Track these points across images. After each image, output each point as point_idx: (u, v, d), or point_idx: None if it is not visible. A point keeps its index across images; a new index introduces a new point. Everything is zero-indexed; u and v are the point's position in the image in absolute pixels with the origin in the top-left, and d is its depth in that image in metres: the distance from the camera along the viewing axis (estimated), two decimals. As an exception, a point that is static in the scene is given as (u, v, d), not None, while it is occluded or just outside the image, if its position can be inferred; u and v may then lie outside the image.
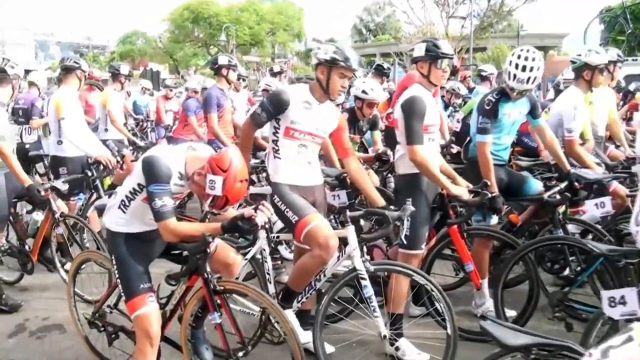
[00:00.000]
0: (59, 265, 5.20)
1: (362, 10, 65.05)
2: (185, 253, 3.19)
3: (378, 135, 6.07)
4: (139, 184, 3.07)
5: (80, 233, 5.75)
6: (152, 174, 2.93)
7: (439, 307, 4.14)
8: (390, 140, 6.50)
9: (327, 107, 3.81)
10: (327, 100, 3.78)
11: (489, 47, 40.44)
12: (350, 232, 3.49)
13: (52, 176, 6.04)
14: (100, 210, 3.65)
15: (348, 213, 3.52)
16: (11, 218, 5.07)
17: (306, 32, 49.47)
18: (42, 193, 4.68)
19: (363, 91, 5.46)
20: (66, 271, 5.11)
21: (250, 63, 51.32)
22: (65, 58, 6.02)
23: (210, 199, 2.94)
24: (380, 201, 3.76)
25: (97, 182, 5.73)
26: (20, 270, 5.35)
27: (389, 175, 6.23)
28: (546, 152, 6.06)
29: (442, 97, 8.36)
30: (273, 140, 3.76)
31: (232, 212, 3.19)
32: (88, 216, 5.80)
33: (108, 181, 6.89)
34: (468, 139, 4.74)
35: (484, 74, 9.07)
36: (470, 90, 9.59)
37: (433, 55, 3.91)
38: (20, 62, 5.31)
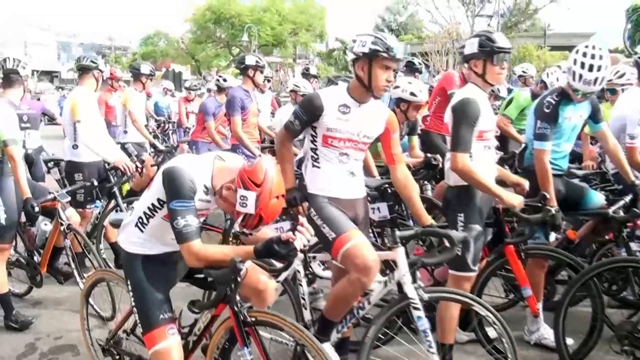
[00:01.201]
0: (78, 278, 4.83)
1: (384, 10, 64.44)
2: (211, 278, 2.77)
3: (416, 140, 5.62)
4: (158, 200, 2.68)
5: (97, 241, 5.41)
6: (174, 188, 2.53)
7: (490, 334, 3.76)
8: (426, 145, 6.07)
9: (371, 107, 3.36)
10: (370, 100, 3.34)
11: (515, 47, 39.64)
12: (399, 254, 3.02)
13: (67, 182, 5.68)
14: (115, 225, 3.23)
15: (398, 233, 3.04)
16: (19, 228, 4.72)
17: (328, 32, 49.10)
18: (37, 209, 4.30)
19: (412, 93, 4.95)
20: (82, 276, 4.79)
21: (273, 64, 51.03)
22: (81, 57, 5.65)
23: (241, 217, 2.53)
24: (428, 218, 3.32)
25: (115, 189, 5.35)
26: (29, 283, 5.01)
27: (425, 182, 5.78)
28: (590, 162, 5.65)
29: None
30: (311, 149, 3.34)
31: (265, 232, 2.77)
32: (105, 225, 5.44)
33: (127, 187, 6.54)
34: (523, 146, 4.29)
35: (524, 74, 8.50)
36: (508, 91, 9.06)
37: (488, 50, 3.45)
38: (43, 63, 4.97)
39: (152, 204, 2.71)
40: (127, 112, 7.16)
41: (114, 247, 5.70)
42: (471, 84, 3.58)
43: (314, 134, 3.31)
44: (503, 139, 6.82)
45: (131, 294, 2.83)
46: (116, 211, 5.43)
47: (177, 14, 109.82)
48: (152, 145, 6.84)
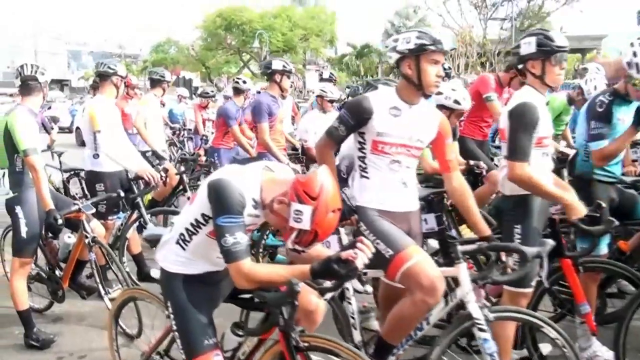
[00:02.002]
0: (102, 292, 4.60)
1: (393, 15, 64.19)
2: (256, 298, 2.54)
3: (456, 146, 5.37)
4: (203, 215, 2.45)
5: (120, 254, 5.19)
6: (222, 203, 2.31)
7: (543, 351, 3.52)
8: (460, 151, 5.82)
9: (422, 109, 3.15)
10: (420, 101, 3.12)
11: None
12: (462, 271, 2.79)
13: (88, 193, 5.48)
14: (151, 241, 3.00)
15: (461, 247, 2.80)
16: (41, 241, 4.51)
17: (338, 37, 48.88)
18: (60, 221, 4.10)
19: (456, 101, 4.71)
20: (111, 299, 4.51)
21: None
22: (99, 63, 5.42)
23: (294, 233, 2.31)
24: (487, 229, 3.09)
25: (139, 199, 5.14)
26: (50, 298, 4.80)
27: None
28: (631, 168, 5.39)
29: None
30: (359, 157, 3.11)
31: (320, 249, 2.54)
32: (128, 237, 5.24)
33: (148, 197, 6.33)
34: (574, 152, 4.05)
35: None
36: None
37: (547, 50, 3.20)
38: (54, 72, 4.76)
39: (196, 220, 2.49)
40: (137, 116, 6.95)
41: (137, 259, 5.51)
42: (528, 86, 3.33)
43: (361, 140, 3.09)
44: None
45: (172, 317, 2.61)
46: (140, 223, 5.24)
47: (187, 21, 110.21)
48: (155, 154, 6.52)
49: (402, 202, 3.12)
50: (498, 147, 6.66)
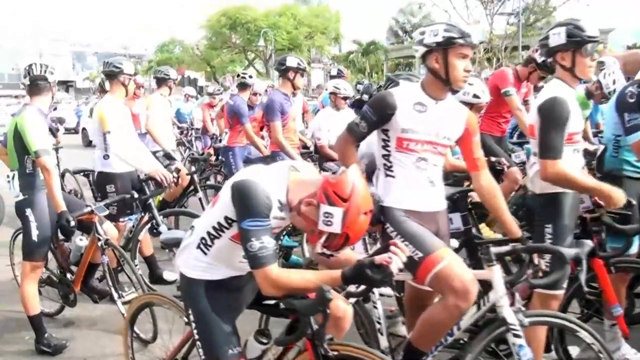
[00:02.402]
0: (115, 296, 4.47)
1: (397, 12, 63.97)
2: (282, 304, 2.42)
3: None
4: (226, 218, 2.33)
5: (132, 256, 5.08)
6: (248, 205, 2.19)
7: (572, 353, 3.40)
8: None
9: (448, 105, 3.02)
10: (447, 97, 3.00)
11: (532, 46, 39.11)
12: (495, 273, 2.65)
13: (98, 194, 5.37)
14: (168, 245, 2.88)
15: (494, 249, 2.67)
16: (52, 244, 4.39)
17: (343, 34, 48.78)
18: (72, 224, 3.99)
19: (475, 95, 4.58)
20: (124, 303, 4.43)
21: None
22: (105, 63, 5.26)
23: (324, 237, 2.18)
24: (518, 230, 2.96)
25: (151, 200, 5.02)
26: (61, 302, 4.69)
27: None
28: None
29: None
30: (383, 156, 2.98)
31: (349, 253, 2.42)
32: (140, 239, 5.12)
33: (159, 198, 6.22)
34: (602, 148, 3.91)
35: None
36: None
37: (578, 40, 3.06)
38: (59, 73, 4.64)
39: (219, 223, 2.37)
40: (146, 115, 6.82)
41: (149, 261, 5.41)
42: (557, 80, 3.19)
43: (385, 137, 2.96)
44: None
45: (193, 325, 2.49)
46: (152, 224, 5.12)
47: (191, 21, 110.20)
48: (166, 155, 6.34)
49: (429, 202, 2.99)
50: (515, 144, 6.53)
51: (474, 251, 3.76)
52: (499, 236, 4.94)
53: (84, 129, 20.41)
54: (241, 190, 2.22)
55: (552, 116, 3.03)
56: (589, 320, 4.13)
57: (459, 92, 3.07)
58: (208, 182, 7.22)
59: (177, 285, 2.63)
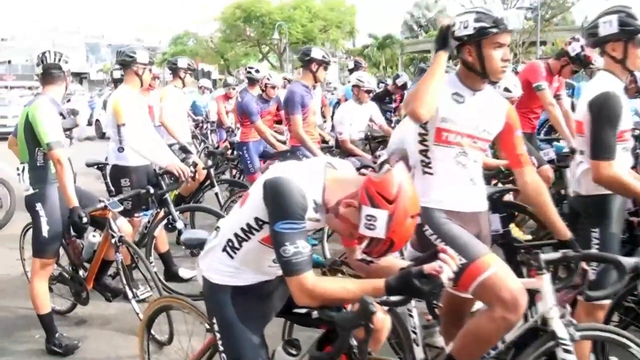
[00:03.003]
0: (130, 295, 4.26)
1: (412, 6, 63.58)
2: (316, 313, 2.20)
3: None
4: (257, 219, 2.12)
5: (147, 253, 4.89)
6: (281, 206, 1.98)
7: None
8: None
9: (487, 96, 2.79)
10: (485, 88, 2.77)
11: (549, 41, 38.72)
12: (545, 283, 2.42)
13: (112, 188, 5.17)
14: (189, 245, 2.67)
15: (544, 256, 2.44)
16: (63, 240, 4.21)
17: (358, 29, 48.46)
18: (85, 220, 3.80)
19: (506, 89, 4.36)
20: (138, 302, 4.26)
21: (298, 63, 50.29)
22: (118, 52, 5.04)
23: (365, 242, 1.97)
24: (567, 232, 2.73)
25: (167, 195, 4.83)
26: (73, 300, 4.51)
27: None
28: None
29: None
30: (421, 151, 2.75)
31: (391, 259, 2.20)
32: (155, 235, 4.93)
33: (174, 192, 6.02)
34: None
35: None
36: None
37: (631, 30, 2.82)
38: (72, 65, 4.42)
39: (248, 225, 2.16)
40: (159, 107, 6.59)
41: (164, 258, 5.23)
42: (606, 72, 2.95)
43: (423, 131, 2.72)
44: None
45: (218, 335, 2.28)
46: (168, 220, 4.93)
47: (205, 13, 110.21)
48: (182, 148, 6.13)
49: (471, 201, 2.76)
50: (543, 140, 6.29)
51: (512, 255, 3.54)
52: (528, 237, 4.71)
53: (97, 120, 20.29)
54: (274, 189, 2.01)
55: (605, 113, 2.79)
56: (627, 328, 3.94)
57: (497, 83, 2.82)
58: (223, 177, 7.02)
59: (201, 291, 2.43)
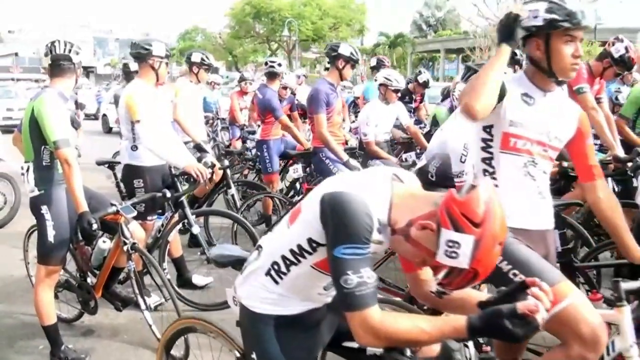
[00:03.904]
0: (143, 306, 3.88)
1: (422, 6, 63.28)
2: (370, 350, 1.86)
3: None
4: (311, 241, 1.79)
5: (160, 259, 4.56)
6: (345, 226, 1.65)
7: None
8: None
9: (558, 99, 2.49)
10: (555, 89, 2.46)
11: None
12: (625, 316, 2.09)
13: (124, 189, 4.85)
14: (221, 263, 2.33)
15: (625, 285, 2.11)
16: (71, 244, 3.88)
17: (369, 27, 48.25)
18: (95, 227, 3.46)
19: None
20: (151, 308, 3.92)
21: (307, 59, 50.10)
22: (133, 44, 4.71)
23: (444, 272, 1.64)
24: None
25: (183, 198, 4.50)
26: (80, 308, 4.18)
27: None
28: None
29: None
30: (484, 159, 2.43)
31: (468, 291, 1.86)
32: (169, 240, 4.61)
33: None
34: None
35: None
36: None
37: None
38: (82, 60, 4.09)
39: (299, 246, 1.83)
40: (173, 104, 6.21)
41: (177, 263, 4.91)
42: None
43: (487, 136, 2.40)
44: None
45: None
46: (183, 224, 4.61)
47: (215, 9, 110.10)
48: (197, 147, 5.79)
49: (540, 218, 2.44)
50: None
51: (571, 276, 3.20)
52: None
53: (104, 115, 20.06)
54: (335, 207, 1.67)
55: None
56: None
57: (565, 83, 2.49)
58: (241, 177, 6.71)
59: (237, 320, 2.09)
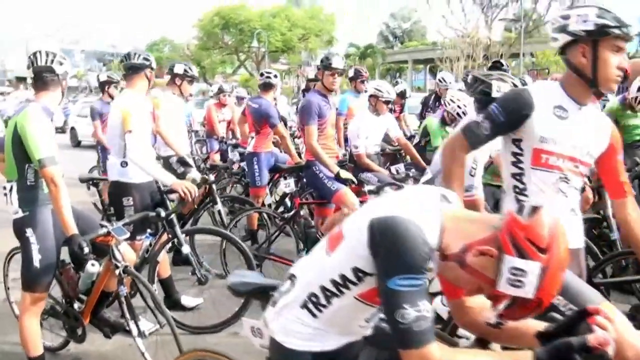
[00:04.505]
0: (135, 333, 3.62)
1: (388, 17, 63.79)
2: None
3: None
4: (357, 270, 1.62)
5: (150, 279, 4.33)
6: (401, 255, 1.49)
7: None
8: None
9: (592, 113, 2.39)
10: (590, 102, 2.36)
11: (527, 53, 38.93)
12: None
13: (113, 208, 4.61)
14: (241, 292, 2.14)
15: None
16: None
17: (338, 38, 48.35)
18: (86, 250, 3.25)
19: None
20: (144, 335, 3.64)
21: (277, 70, 49.97)
22: (130, 53, 4.55)
23: (506, 302, 1.49)
24: None
25: (173, 216, 4.28)
26: (66, 336, 3.92)
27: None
28: None
29: None
30: (514, 175, 2.31)
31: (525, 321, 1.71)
32: (159, 260, 4.39)
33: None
34: None
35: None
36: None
37: None
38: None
39: (343, 276, 1.65)
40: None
41: (165, 284, 4.68)
42: None
43: (518, 150, 2.29)
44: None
45: None
46: (173, 244, 4.40)
47: (183, 21, 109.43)
48: (180, 161, 5.61)
49: (572, 236, 2.31)
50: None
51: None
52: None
53: (72, 128, 19.58)
54: (388, 233, 1.51)
55: None
56: None
57: (605, 96, 2.40)
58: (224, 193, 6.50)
59: (267, 357, 1.91)
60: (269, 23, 41.67)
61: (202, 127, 11.88)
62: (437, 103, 8.39)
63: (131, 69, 4.51)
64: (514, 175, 2.34)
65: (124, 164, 4.33)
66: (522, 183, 2.33)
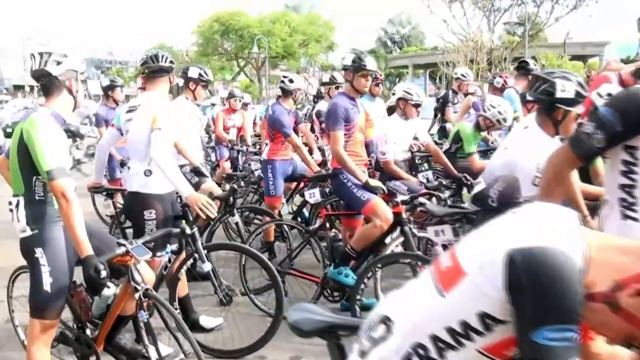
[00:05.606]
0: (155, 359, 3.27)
1: (386, 22, 63.60)
2: None
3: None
4: (484, 316, 1.24)
5: (170, 300, 3.99)
6: (554, 299, 1.14)
7: None
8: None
9: None
10: None
11: (528, 57, 38.63)
12: None
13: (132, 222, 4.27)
14: (309, 333, 1.76)
15: None
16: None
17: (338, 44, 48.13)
18: (104, 274, 2.88)
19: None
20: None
21: (276, 77, 49.77)
22: (159, 56, 4.34)
23: None
24: None
25: (195, 231, 3.92)
26: None
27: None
28: None
29: None
30: (624, 187, 1.96)
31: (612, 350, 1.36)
32: (179, 278, 4.03)
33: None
34: None
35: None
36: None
37: None
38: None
39: (464, 324, 1.26)
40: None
41: (183, 303, 4.32)
42: None
43: (631, 159, 1.94)
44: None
45: None
46: (194, 260, 4.05)
47: (181, 27, 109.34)
48: (195, 170, 5.16)
49: None
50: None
51: None
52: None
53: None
54: (538, 269, 1.15)
55: None
56: None
57: None
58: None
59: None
60: (269, 29, 41.37)
61: (206, 133, 11.58)
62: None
63: (158, 72, 4.29)
64: (623, 187, 2.00)
65: (148, 173, 4.01)
66: (633, 197, 1.99)
